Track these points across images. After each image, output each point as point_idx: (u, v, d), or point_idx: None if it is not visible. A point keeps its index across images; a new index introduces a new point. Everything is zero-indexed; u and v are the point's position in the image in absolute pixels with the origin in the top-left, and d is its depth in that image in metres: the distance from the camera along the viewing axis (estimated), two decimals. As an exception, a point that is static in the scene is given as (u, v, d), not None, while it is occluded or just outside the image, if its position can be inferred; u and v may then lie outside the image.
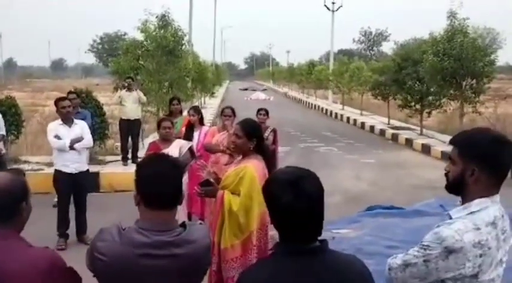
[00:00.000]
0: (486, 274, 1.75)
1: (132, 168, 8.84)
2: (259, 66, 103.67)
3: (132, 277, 1.70)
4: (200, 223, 2.06)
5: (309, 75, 33.11)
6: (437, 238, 1.74)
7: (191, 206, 5.90)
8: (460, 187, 1.84)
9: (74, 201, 5.77)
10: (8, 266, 1.60)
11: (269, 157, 3.63)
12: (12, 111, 8.80)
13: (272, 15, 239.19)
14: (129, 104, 9.49)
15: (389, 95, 16.58)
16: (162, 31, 11.07)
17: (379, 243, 4.33)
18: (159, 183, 1.75)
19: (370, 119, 19.79)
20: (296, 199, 1.47)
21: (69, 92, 7.82)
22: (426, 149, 12.63)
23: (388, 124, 17.45)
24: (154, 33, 11.04)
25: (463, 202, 1.84)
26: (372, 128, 17.43)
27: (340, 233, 4.51)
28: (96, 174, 8.13)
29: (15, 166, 8.48)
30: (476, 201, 1.80)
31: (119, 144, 9.91)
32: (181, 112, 7.32)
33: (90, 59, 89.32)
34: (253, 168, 3.30)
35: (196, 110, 6.55)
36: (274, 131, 6.84)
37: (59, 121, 5.63)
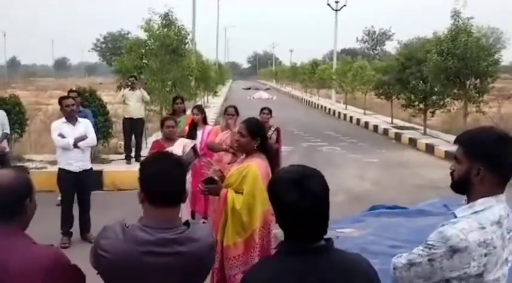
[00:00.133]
0: (491, 273, 1.75)
1: (135, 166, 8.88)
2: (262, 65, 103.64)
3: (135, 274, 1.70)
4: (203, 222, 2.07)
5: (312, 75, 33.07)
6: (442, 237, 1.74)
7: (195, 204, 5.91)
8: (465, 186, 1.84)
9: (77, 199, 5.78)
10: (12, 263, 1.60)
11: (272, 156, 3.64)
12: (16, 110, 8.82)
13: (275, 15, 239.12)
14: (132, 103, 9.51)
15: (393, 94, 16.54)
16: (165, 30, 11.07)
17: (382, 242, 4.32)
18: (162, 181, 1.76)
19: (373, 118, 19.76)
20: (301, 198, 1.47)
21: (70, 91, 7.84)
22: (430, 149, 12.60)
23: (392, 123, 17.41)
24: (157, 32, 11.04)
25: (469, 201, 1.84)
26: (376, 127, 17.40)
27: (343, 232, 4.50)
28: (100, 172, 8.14)
29: (19, 164, 8.51)
30: (481, 200, 1.79)
31: (122, 142, 9.93)
32: (184, 111, 7.32)
33: (94, 58, 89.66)
34: (256, 167, 3.31)
35: (200, 109, 6.55)
36: (277, 130, 6.83)
37: (63, 119, 5.65)
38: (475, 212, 1.78)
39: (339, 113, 23.14)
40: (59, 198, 6.05)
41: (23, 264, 1.61)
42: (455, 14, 12.78)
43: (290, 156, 10.68)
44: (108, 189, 8.22)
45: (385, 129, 16.50)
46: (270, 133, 6.39)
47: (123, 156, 9.52)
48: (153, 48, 11.06)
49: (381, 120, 18.80)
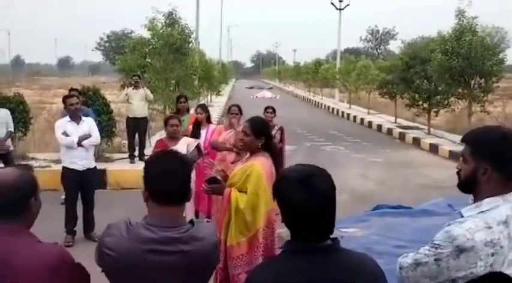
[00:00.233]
0: (499, 273, 1.73)
1: (139, 165, 8.89)
2: (266, 64, 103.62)
3: (139, 273, 1.70)
4: (207, 221, 2.06)
5: (315, 74, 33.03)
6: (448, 237, 1.73)
7: (198, 204, 5.91)
8: (472, 185, 1.82)
9: (81, 198, 5.79)
10: (17, 261, 1.60)
11: (276, 155, 3.63)
12: (20, 109, 8.84)
13: (278, 14, 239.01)
14: (136, 102, 9.51)
15: (397, 93, 16.50)
16: (169, 29, 11.08)
17: (387, 242, 4.30)
18: (167, 180, 1.75)
19: (377, 117, 19.71)
20: (308, 197, 1.46)
21: (71, 89, 7.86)
22: (434, 149, 12.56)
23: (396, 123, 17.37)
24: (161, 31, 11.05)
25: (475, 200, 1.82)
26: (379, 126, 17.36)
27: (347, 232, 4.48)
28: (103, 171, 8.15)
29: (22, 163, 8.53)
30: (488, 199, 1.78)
31: (126, 141, 9.93)
32: (188, 110, 7.32)
33: (97, 57, 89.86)
34: (260, 166, 3.30)
35: (204, 108, 6.55)
36: (281, 129, 6.83)
37: (67, 118, 5.66)
38: (482, 212, 1.77)
39: (343, 112, 23.10)
40: (63, 197, 6.06)
41: (28, 262, 1.61)
42: (460, 14, 12.73)
43: (293, 155, 10.66)
44: (112, 188, 8.23)
45: (389, 128, 16.46)
46: (273, 132, 6.38)
47: (126, 155, 9.53)
48: (157, 47, 11.08)
49: (384, 120, 18.76)
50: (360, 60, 24.15)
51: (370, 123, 18.52)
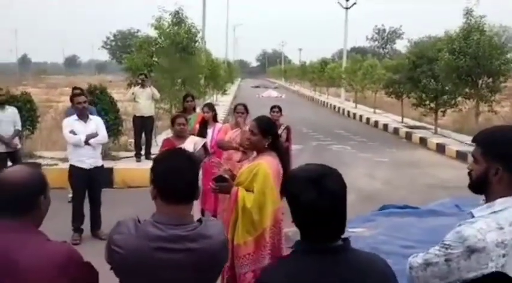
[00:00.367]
0: (509, 274, 1.72)
1: (145, 164, 8.92)
2: (271, 63, 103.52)
3: (147, 270, 1.70)
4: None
5: (321, 73, 32.96)
6: (459, 237, 1.71)
7: (205, 202, 5.91)
8: (483, 186, 1.81)
9: (88, 196, 5.81)
10: (25, 259, 1.61)
11: (283, 154, 3.62)
12: (28, 107, 8.88)
13: (284, 13, 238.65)
14: (142, 101, 9.53)
15: (403, 93, 16.44)
16: (175, 28, 11.10)
17: (394, 242, 4.28)
18: (174, 178, 1.75)
19: (383, 117, 19.64)
20: (319, 197, 1.45)
21: (74, 88, 7.90)
22: (441, 148, 12.49)
23: (402, 123, 17.30)
24: (168, 30, 11.07)
25: (487, 201, 1.81)
26: (386, 126, 17.30)
27: (354, 232, 4.46)
28: (110, 170, 8.17)
29: (30, 161, 8.57)
30: (500, 200, 1.76)
31: (132, 140, 9.96)
32: (194, 109, 7.32)
33: (104, 56, 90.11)
34: (267, 165, 3.30)
35: (211, 107, 6.54)
36: (287, 129, 6.82)
37: (75, 117, 5.68)
38: (494, 212, 1.75)
39: (348, 111, 23.04)
40: (70, 195, 6.09)
41: (36, 260, 1.61)
42: (468, 13, 12.66)
43: (300, 154, 10.64)
44: (118, 186, 8.25)
45: (395, 128, 16.40)
46: (280, 131, 6.37)
47: (133, 153, 9.55)
48: (164, 46, 11.09)
49: (391, 119, 18.69)
50: (366, 60, 24.07)
51: (376, 122, 18.45)
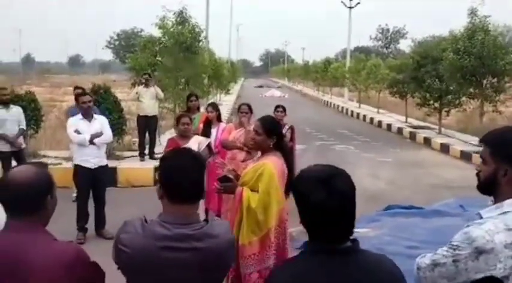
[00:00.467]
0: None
1: (149, 163, 8.94)
2: (274, 63, 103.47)
3: (153, 269, 1.70)
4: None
5: (324, 73, 32.91)
6: (467, 238, 1.70)
7: (209, 202, 5.90)
8: (492, 187, 1.80)
9: (93, 195, 5.82)
10: (32, 259, 1.61)
11: (288, 154, 3.61)
12: (32, 106, 8.89)
13: (288, 12, 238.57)
14: (146, 100, 9.54)
15: (408, 93, 16.39)
16: (179, 27, 11.09)
17: (398, 243, 4.29)
18: (179, 176, 1.76)
19: (387, 117, 19.61)
20: (328, 197, 1.44)
21: (76, 87, 7.91)
22: (445, 148, 12.46)
23: (406, 122, 17.26)
24: (172, 29, 11.07)
25: (495, 202, 1.80)
26: (389, 126, 17.26)
27: (359, 232, 4.46)
28: (114, 169, 8.18)
29: (34, 160, 8.59)
30: (509, 201, 1.75)
31: (136, 139, 9.97)
32: (198, 108, 7.32)
33: (107, 56, 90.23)
34: (272, 165, 3.29)
35: (214, 107, 6.54)
36: (291, 128, 6.80)
37: (79, 116, 5.69)
38: (503, 213, 1.74)
39: (352, 111, 23.00)
40: (74, 194, 6.10)
41: (43, 259, 1.61)
42: (472, 12, 12.60)
43: (303, 154, 10.62)
44: (122, 185, 8.26)
45: (399, 128, 16.36)
46: (284, 131, 6.35)
47: (136, 153, 9.56)
48: (167, 46, 11.09)
49: (394, 119, 18.65)
50: (369, 59, 24.02)
51: (379, 122, 18.42)
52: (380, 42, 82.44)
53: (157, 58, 11.43)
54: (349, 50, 29.93)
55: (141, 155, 9.42)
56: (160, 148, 9.51)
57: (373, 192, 8.12)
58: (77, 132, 5.58)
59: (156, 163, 8.83)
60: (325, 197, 1.44)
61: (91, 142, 5.55)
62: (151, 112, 9.63)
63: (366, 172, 9.75)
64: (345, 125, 18.43)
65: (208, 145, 5.41)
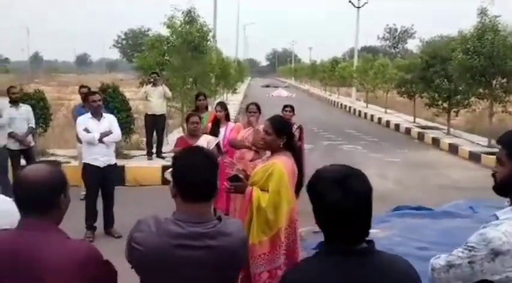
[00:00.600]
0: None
1: (156, 162, 8.95)
2: (281, 63, 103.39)
3: (168, 267, 1.70)
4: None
5: (331, 72, 32.83)
6: (483, 239, 1.68)
7: (216, 201, 5.90)
8: (508, 188, 1.78)
9: (101, 194, 5.83)
10: (46, 257, 1.61)
11: (298, 154, 3.60)
12: (41, 105, 8.94)
13: (295, 11, 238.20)
14: (154, 99, 9.56)
15: (416, 93, 16.30)
16: (187, 27, 11.09)
17: (408, 244, 4.26)
18: (191, 175, 1.75)
19: (395, 117, 19.52)
20: (344, 197, 1.43)
21: (81, 86, 7.95)
22: (453, 149, 12.38)
23: (414, 123, 17.17)
24: (180, 28, 11.07)
25: (512, 203, 1.77)
26: (397, 126, 17.18)
27: (369, 233, 4.45)
28: (122, 168, 8.21)
29: (42, 158, 8.64)
30: (525, 202, 1.73)
31: (144, 138, 10.00)
32: (207, 107, 7.32)
33: (114, 55, 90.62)
34: (282, 165, 3.28)
35: (223, 106, 6.53)
36: (300, 128, 6.77)
37: (88, 115, 5.71)
38: (520, 215, 1.72)
39: (360, 111, 22.92)
40: (83, 193, 6.12)
41: (57, 258, 1.61)
42: (482, 12, 12.49)
43: (311, 154, 10.59)
44: (130, 184, 8.28)
45: (407, 128, 16.28)
46: (292, 131, 6.34)
47: (144, 152, 9.59)
48: (176, 45, 11.10)
49: (402, 119, 18.56)
50: (377, 59, 23.92)
51: (387, 122, 18.33)
52: (388, 42, 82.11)
53: (165, 57, 11.44)
54: (357, 50, 29.83)
55: (149, 154, 9.45)
56: (168, 147, 9.52)
57: (381, 193, 8.07)
58: (86, 130, 5.60)
59: (164, 162, 8.86)
60: (341, 197, 1.43)
61: (100, 141, 5.57)
62: (159, 111, 9.65)
63: (374, 172, 9.69)
64: (352, 124, 18.37)
65: (217, 145, 5.41)
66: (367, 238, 1.51)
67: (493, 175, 1.84)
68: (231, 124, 6.46)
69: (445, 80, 14.02)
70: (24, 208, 1.69)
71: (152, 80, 9.68)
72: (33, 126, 7.27)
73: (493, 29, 12.25)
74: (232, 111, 19.02)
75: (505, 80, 12.48)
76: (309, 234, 4.89)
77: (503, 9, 13.36)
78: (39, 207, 1.67)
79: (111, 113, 6.67)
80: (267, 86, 50.06)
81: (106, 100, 8.12)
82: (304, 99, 33.39)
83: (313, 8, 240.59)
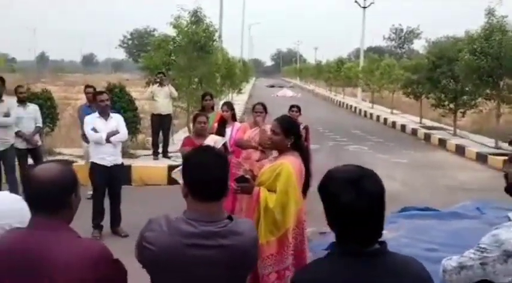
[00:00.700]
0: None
1: (162, 162, 8.97)
2: (286, 63, 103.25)
3: (180, 267, 1.70)
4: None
5: (337, 73, 32.77)
6: (496, 241, 1.67)
7: (223, 201, 5.90)
8: None
9: (108, 193, 5.85)
10: (56, 256, 1.61)
11: (306, 154, 3.59)
12: (48, 104, 8.97)
13: (300, 11, 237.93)
14: (160, 99, 9.58)
15: (422, 93, 16.23)
16: (194, 27, 11.11)
17: (416, 245, 4.23)
18: (202, 174, 1.75)
19: (401, 118, 19.45)
20: (356, 198, 1.43)
21: (87, 86, 7.98)
22: (460, 150, 12.32)
23: (420, 123, 17.10)
24: (186, 28, 11.09)
25: (525, 205, 1.76)
26: (403, 127, 17.12)
27: (382, 233, 4.42)
28: (128, 167, 8.23)
29: (49, 158, 8.67)
30: (539, 204, 1.71)
31: (150, 138, 10.02)
32: (213, 107, 7.33)
33: (120, 55, 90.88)
34: (290, 165, 3.27)
35: (230, 106, 6.53)
36: (306, 128, 6.75)
37: (96, 114, 5.73)
38: (533, 216, 1.70)
39: (365, 111, 22.87)
40: (90, 192, 6.13)
41: (68, 257, 1.61)
42: (490, 12, 12.42)
43: (316, 154, 10.54)
44: (136, 184, 8.31)
45: (413, 129, 16.22)
46: (299, 131, 6.33)
47: (150, 151, 9.61)
48: (182, 45, 11.12)
49: (408, 120, 18.50)
50: (383, 59, 23.85)
51: (393, 123, 18.27)
52: (393, 42, 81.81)
53: (171, 57, 11.46)
54: (363, 50, 29.76)
55: (155, 154, 9.46)
56: (173, 147, 9.54)
57: (388, 193, 7.86)
58: (94, 130, 5.62)
59: (170, 162, 8.88)
60: (354, 198, 1.43)
61: (107, 140, 5.59)
62: (165, 111, 9.66)
63: (380, 173, 9.40)
64: (358, 125, 18.32)
65: (224, 145, 5.41)
66: (379, 239, 1.49)
67: (505, 176, 1.83)
68: (237, 124, 6.46)
69: (452, 81, 13.96)
70: (34, 207, 1.69)
71: (158, 79, 9.70)
72: (41, 125, 7.31)
73: (501, 30, 12.19)
74: (238, 111, 19.01)
75: (512, 80, 12.42)
76: (315, 235, 4.88)
77: (511, 10, 13.27)
78: (50, 206, 1.67)
79: (118, 112, 6.68)
80: (272, 86, 50.04)
81: (113, 100, 8.14)
82: (309, 99, 33.34)
83: (319, 8, 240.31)
